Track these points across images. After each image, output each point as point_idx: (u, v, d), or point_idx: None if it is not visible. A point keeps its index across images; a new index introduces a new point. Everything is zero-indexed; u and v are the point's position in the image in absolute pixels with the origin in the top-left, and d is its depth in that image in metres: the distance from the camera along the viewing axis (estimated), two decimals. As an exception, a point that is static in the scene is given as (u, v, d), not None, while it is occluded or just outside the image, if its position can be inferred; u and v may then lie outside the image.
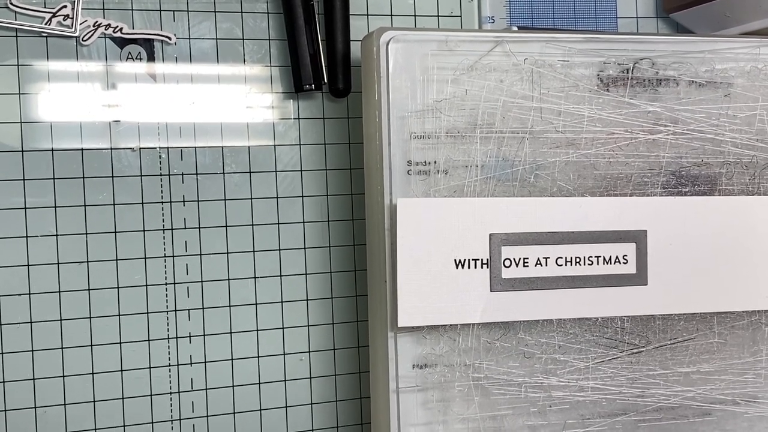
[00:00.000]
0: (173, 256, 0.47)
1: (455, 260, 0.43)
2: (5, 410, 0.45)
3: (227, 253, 0.48)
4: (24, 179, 0.45)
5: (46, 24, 0.45)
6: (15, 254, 0.45)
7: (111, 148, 0.46)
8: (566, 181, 0.45)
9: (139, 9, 0.46)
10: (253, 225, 0.48)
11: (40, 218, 0.45)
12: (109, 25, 0.46)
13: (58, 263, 0.45)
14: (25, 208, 0.45)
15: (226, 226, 0.48)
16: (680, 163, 0.46)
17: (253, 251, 0.48)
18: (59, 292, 0.45)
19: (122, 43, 0.46)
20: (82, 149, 0.46)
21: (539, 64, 0.44)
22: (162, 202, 0.47)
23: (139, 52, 0.47)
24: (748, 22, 0.51)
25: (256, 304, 0.49)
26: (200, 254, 0.48)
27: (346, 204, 0.50)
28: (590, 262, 0.44)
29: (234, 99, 0.48)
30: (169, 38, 0.47)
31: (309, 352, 0.50)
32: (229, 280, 0.48)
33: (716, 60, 0.47)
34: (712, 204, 0.46)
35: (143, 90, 0.47)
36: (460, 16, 0.52)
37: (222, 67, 0.48)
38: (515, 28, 0.50)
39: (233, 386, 0.48)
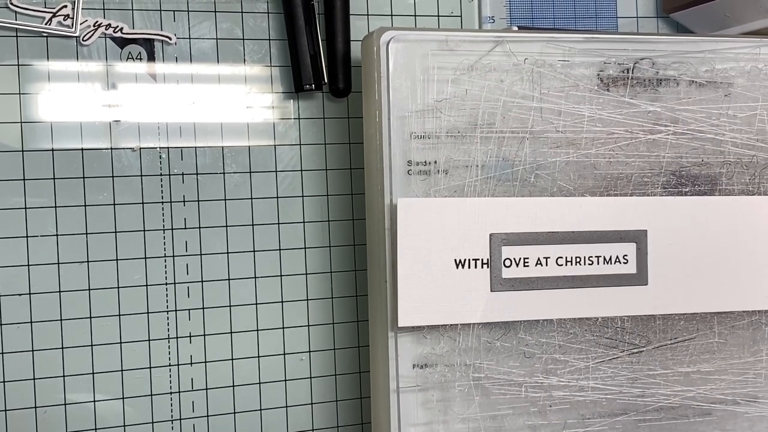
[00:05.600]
0: (173, 256, 0.47)
1: (455, 260, 0.43)
2: (5, 410, 0.45)
3: (227, 253, 0.48)
4: (24, 179, 0.45)
5: (46, 24, 0.45)
6: (15, 254, 0.45)
7: (111, 148, 0.46)
8: (566, 181, 0.45)
9: (140, 9, 0.46)
10: (253, 225, 0.48)
11: (40, 218, 0.45)
12: (109, 25, 0.46)
13: (58, 263, 0.45)
14: (26, 208, 0.45)
15: (227, 226, 0.48)
16: (680, 163, 0.46)
17: (254, 251, 0.48)
18: (59, 292, 0.45)
19: (122, 43, 0.46)
20: (82, 149, 0.46)
21: (539, 64, 0.44)
22: (162, 202, 0.47)
23: (140, 52, 0.47)
24: (748, 22, 0.51)
25: (257, 304, 0.49)
26: (200, 254, 0.48)
27: (346, 204, 0.50)
28: (590, 262, 0.44)
29: (234, 99, 0.48)
30: (170, 38, 0.47)
31: (309, 351, 0.50)
32: (229, 280, 0.48)
33: (716, 60, 0.47)
34: (712, 204, 0.46)
35: (143, 90, 0.47)
36: (461, 16, 0.52)
37: (222, 67, 0.48)
38: (515, 28, 0.50)
39: (233, 386, 0.48)
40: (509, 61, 0.44)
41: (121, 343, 0.46)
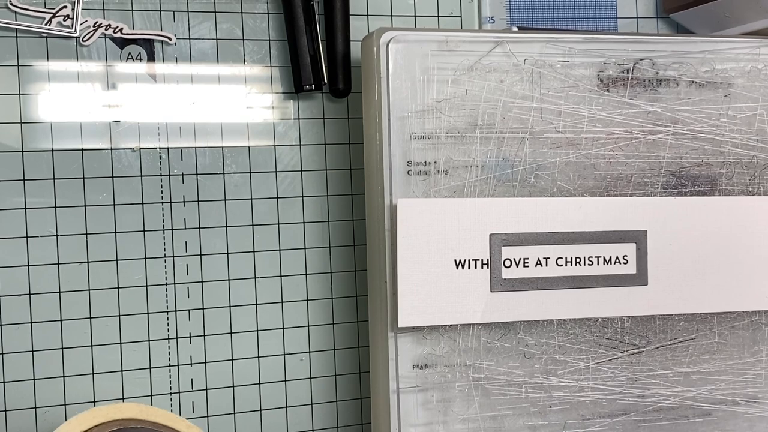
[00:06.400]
0: (173, 257, 0.47)
1: (455, 260, 0.43)
2: (5, 410, 0.45)
3: (227, 253, 0.48)
4: (24, 179, 0.45)
5: (46, 24, 0.45)
6: (15, 254, 0.45)
7: (111, 149, 0.46)
8: (566, 181, 0.45)
9: (139, 9, 0.46)
10: (253, 225, 0.48)
11: (40, 218, 0.45)
12: (109, 25, 0.46)
13: (58, 263, 0.45)
14: (25, 208, 0.45)
15: (227, 227, 0.48)
16: (680, 163, 0.46)
17: (254, 251, 0.48)
18: (59, 292, 0.45)
19: (122, 43, 0.46)
20: (82, 149, 0.46)
21: (539, 65, 0.44)
22: (162, 203, 0.47)
23: (140, 53, 0.47)
24: (748, 23, 0.51)
25: (257, 304, 0.49)
26: (200, 254, 0.48)
27: (346, 204, 0.50)
28: (590, 263, 0.44)
29: (234, 99, 0.48)
30: (169, 38, 0.47)
31: (309, 352, 0.50)
32: (229, 280, 0.48)
33: (716, 60, 0.47)
34: (712, 204, 0.46)
35: (143, 90, 0.47)
36: (461, 17, 0.52)
37: (222, 68, 0.48)
38: (515, 29, 0.50)
39: (233, 386, 0.48)
40: (509, 61, 0.44)
41: (121, 343, 0.46)
